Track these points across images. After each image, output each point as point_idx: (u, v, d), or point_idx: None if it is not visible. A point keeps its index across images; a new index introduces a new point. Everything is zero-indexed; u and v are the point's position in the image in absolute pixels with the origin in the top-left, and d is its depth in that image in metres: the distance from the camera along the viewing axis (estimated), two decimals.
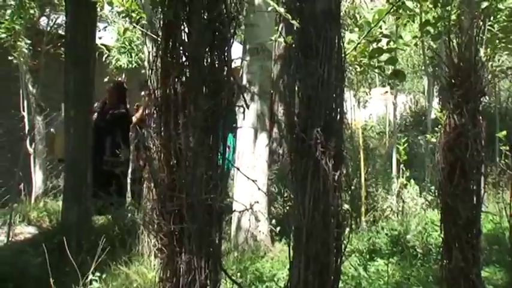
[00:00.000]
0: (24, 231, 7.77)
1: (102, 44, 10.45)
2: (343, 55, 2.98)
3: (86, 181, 6.40)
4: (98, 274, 4.53)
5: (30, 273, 5.03)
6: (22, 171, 8.07)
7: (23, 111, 9.87)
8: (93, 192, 6.72)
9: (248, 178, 4.56)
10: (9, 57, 9.92)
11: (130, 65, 10.86)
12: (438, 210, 5.76)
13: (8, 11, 9.83)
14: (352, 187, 3.55)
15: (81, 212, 6.26)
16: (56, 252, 5.13)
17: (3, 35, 9.71)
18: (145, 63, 5.72)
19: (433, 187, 7.41)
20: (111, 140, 8.37)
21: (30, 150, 9.51)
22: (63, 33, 8.42)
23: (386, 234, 6.10)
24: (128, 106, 9.12)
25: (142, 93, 8.64)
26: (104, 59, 10.74)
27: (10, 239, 6.67)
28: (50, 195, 8.90)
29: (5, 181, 7.86)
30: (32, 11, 10.10)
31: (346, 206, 3.10)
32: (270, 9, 4.78)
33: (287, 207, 6.64)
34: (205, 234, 2.62)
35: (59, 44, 9.75)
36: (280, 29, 6.28)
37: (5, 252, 5.50)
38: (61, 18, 10.15)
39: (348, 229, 3.16)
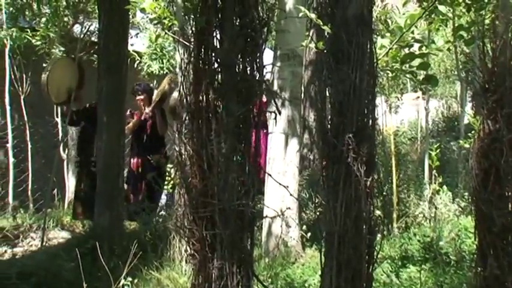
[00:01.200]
0: (58, 236, 7.87)
1: (134, 51, 10.56)
2: (375, 60, 2.96)
3: (117, 186, 6.46)
4: (129, 279, 4.56)
5: (64, 278, 5.08)
6: (56, 177, 8.19)
7: (57, 117, 10.01)
8: (125, 198, 6.77)
9: (280, 184, 4.54)
10: (44, 64, 10.07)
11: (161, 71, 10.95)
12: (472, 217, 5.69)
13: (43, 19, 10.00)
14: (384, 193, 3.53)
15: (113, 217, 6.32)
16: (88, 257, 5.18)
17: (39, 43, 9.88)
18: (177, 70, 5.74)
19: (466, 193, 7.31)
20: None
21: (64, 156, 9.63)
22: (96, 40, 8.51)
23: (419, 240, 6.03)
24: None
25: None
26: (135, 66, 10.85)
27: (44, 243, 6.77)
28: None
29: (39, 187, 7.99)
30: (66, 19, 10.26)
31: (377, 212, 3.09)
32: (300, 15, 4.78)
33: (318, 213, 6.66)
34: (237, 240, 2.63)
35: (92, 51, 9.88)
36: (311, 35, 6.28)
37: (39, 257, 5.58)
38: (94, 26, 10.29)
39: (379, 235, 3.15)
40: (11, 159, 9.71)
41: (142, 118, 8.35)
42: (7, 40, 9.35)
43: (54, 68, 7.72)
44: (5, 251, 6.45)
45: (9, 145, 9.74)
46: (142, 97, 8.49)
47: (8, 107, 9.68)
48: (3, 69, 9.51)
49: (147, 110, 8.32)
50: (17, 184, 9.73)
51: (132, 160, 8.44)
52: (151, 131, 8.30)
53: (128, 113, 8.63)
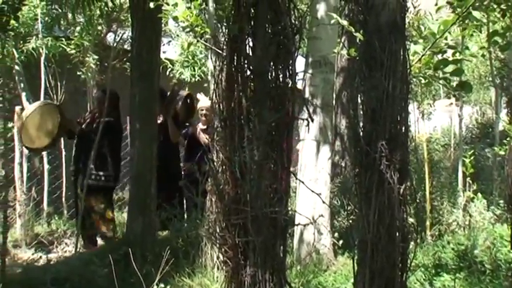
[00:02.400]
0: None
1: (166, 58, 10.65)
2: (408, 67, 2.94)
3: (150, 193, 6.50)
4: (162, 285, 4.58)
5: (97, 283, 5.13)
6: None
7: None
8: (158, 205, 6.77)
9: (312, 191, 4.53)
10: (78, 73, 10.22)
11: (193, 79, 11.02)
12: (508, 225, 5.60)
13: (78, 28, 10.15)
14: (417, 200, 3.49)
15: (146, 223, 6.36)
16: (121, 263, 5.22)
17: (73, 51, 10.04)
18: (209, 77, 5.77)
19: (501, 201, 7.21)
20: (97, 151, 7.25)
21: None
22: (129, 48, 8.61)
23: (453, 248, 5.96)
24: None
25: None
26: (167, 73, 10.93)
27: (78, 249, 6.84)
28: (115, 207, 9.06)
29: (73, 193, 8.07)
30: (99, 28, 10.41)
31: (411, 220, 3.06)
32: (332, 22, 4.77)
33: (350, 221, 6.62)
34: (270, 247, 2.63)
35: (125, 59, 10.00)
36: (342, 42, 6.27)
37: (73, 262, 5.64)
38: (127, 34, 10.43)
39: (412, 243, 3.12)
40: (46, 166, 9.84)
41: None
42: (42, 49, 9.50)
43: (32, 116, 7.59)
44: (40, 257, 6.54)
45: (44, 152, 9.87)
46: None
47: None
48: (39, 77, 9.66)
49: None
50: (51, 190, 9.87)
51: None
52: (164, 137, 7.92)
53: None
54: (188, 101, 8.34)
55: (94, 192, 7.31)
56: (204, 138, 8.00)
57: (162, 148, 7.57)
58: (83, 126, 7.77)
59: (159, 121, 7.77)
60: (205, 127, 8.20)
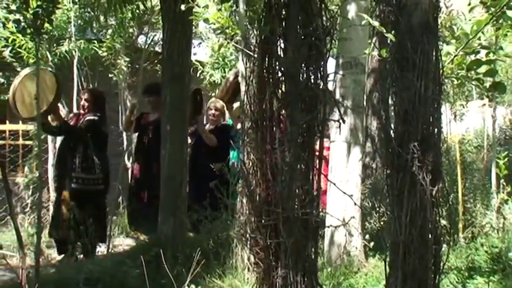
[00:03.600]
0: (123, 243, 8.04)
1: (196, 60, 10.71)
2: (440, 68, 2.92)
3: (181, 194, 6.54)
4: (193, 286, 4.60)
5: (129, 284, 5.17)
6: (120, 185, 8.36)
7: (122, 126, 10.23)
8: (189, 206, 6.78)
9: (344, 193, 4.51)
10: (109, 75, 10.34)
11: (223, 81, 11.06)
12: None
13: (109, 31, 10.28)
14: (450, 202, 3.46)
15: (177, 224, 6.39)
16: (152, 264, 5.26)
17: (105, 54, 10.16)
18: (239, 79, 5.79)
19: None
20: (82, 152, 7.12)
21: (129, 164, 9.82)
22: (160, 50, 8.67)
23: (486, 251, 5.88)
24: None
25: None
26: (198, 75, 10.99)
27: (110, 250, 6.92)
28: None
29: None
30: (131, 30, 10.52)
31: (443, 222, 3.03)
32: (363, 22, 4.75)
33: (382, 223, 6.57)
34: (302, 248, 2.62)
35: (156, 61, 10.09)
36: (373, 43, 6.23)
37: (105, 263, 5.69)
38: (158, 36, 10.51)
39: (445, 245, 3.09)
40: None
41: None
42: (75, 52, 9.63)
43: (22, 82, 6.70)
44: (73, 257, 6.62)
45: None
46: (151, 99, 7.97)
47: None
48: (71, 80, 9.79)
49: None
50: None
51: (135, 166, 8.17)
52: (153, 135, 7.70)
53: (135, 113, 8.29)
54: (197, 97, 8.06)
55: (82, 197, 6.99)
56: (210, 138, 7.94)
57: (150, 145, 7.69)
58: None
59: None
60: (213, 127, 8.18)
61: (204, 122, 8.61)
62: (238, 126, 7.90)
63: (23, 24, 5.26)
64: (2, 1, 5.60)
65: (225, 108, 8.45)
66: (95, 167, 7.14)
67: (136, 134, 8.52)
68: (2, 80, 10.38)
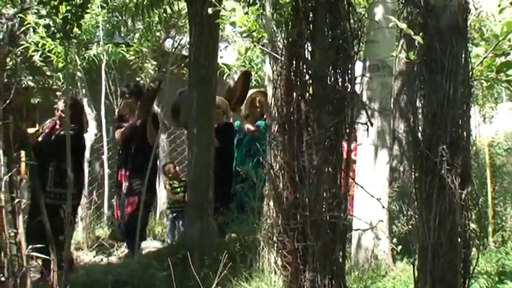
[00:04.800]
0: (150, 246, 8.08)
1: (223, 63, 10.74)
2: (469, 70, 2.90)
3: (207, 198, 6.55)
4: None
5: (157, 287, 5.19)
6: None
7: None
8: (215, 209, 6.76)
9: (372, 196, 4.49)
10: (137, 78, 10.42)
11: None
12: None
13: (137, 35, 10.37)
14: (479, 206, 3.42)
15: (203, 227, 6.41)
16: (179, 267, 5.28)
17: (132, 57, 10.24)
18: (266, 82, 5.79)
19: None
20: (56, 166, 6.63)
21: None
22: (186, 53, 8.71)
23: None
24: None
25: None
26: (224, 78, 11.02)
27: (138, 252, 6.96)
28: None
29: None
30: (158, 34, 10.60)
31: (472, 226, 3.00)
32: (390, 25, 4.72)
33: (410, 226, 6.52)
34: (329, 252, 2.62)
35: (183, 64, 10.14)
36: (401, 45, 6.19)
37: (133, 266, 5.73)
38: (185, 40, 10.56)
39: (474, 249, 3.06)
40: (106, 170, 10.06)
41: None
42: (103, 56, 9.72)
43: None
44: (101, 259, 6.67)
45: (105, 157, 10.10)
46: (130, 100, 7.61)
47: (103, 120, 10.02)
48: (100, 83, 9.89)
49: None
50: (112, 195, 10.06)
51: (119, 172, 7.69)
52: (140, 139, 7.41)
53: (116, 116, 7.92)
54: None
55: (54, 212, 5.74)
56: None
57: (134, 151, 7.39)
58: (39, 138, 6.88)
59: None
60: (215, 126, 7.54)
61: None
62: (250, 128, 7.82)
63: (52, 29, 5.32)
64: (33, 7, 5.68)
65: (228, 106, 8.19)
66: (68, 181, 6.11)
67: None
68: (32, 84, 10.52)
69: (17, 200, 2.82)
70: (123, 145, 7.69)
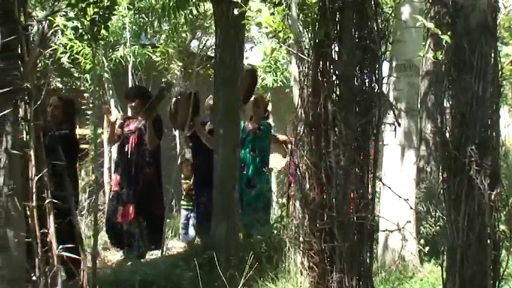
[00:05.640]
0: (176, 246, 8.12)
1: (248, 64, 10.74)
2: (499, 69, 2.86)
3: (233, 198, 6.56)
4: None
5: (183, 287, 5.21)
6: (174, 188, 8.43)
7: (175, 130, 10.33)
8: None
9: (400, 197, 4.45)
10: (163, 79, 10.47)
11: (275, 84, 11.07)
12: None
13: (163, 36, 10.42)
14: (509, 207, 3.38)
15: (230, 227, 6.42)
16: (206, 267, 5.29)
17: (158, 58, 10.30)
18: (291, 82, 5.78)
19: None
20: (50, 168, 6.22)
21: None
22: (212, 54, 8.73)
23: None
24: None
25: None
26: None
27: (164, 253, 6.99)
28: None
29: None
30: (184, 35, 10.64)
31: (502, 227, 2.97)
32: (418, 24, 4.68)
33: (438, 227, 6.46)
34: (357, 253, 2.61)
35: (209, 65, 10.18)
36: (428, 45, 6.14)
37: (160, 266, 5.76)
38: (210, 41, 10.60)
39: (504, 251, 3.02)
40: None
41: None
42: (130, 57, 9.78)
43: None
44: (128, 259, 6.72)
45: None
46: (133, 104, 7.28)
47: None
48: (126, 84, 9.95)
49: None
50: None
51: (115, 177, 7.47)
52: (136, 143, 7.13)
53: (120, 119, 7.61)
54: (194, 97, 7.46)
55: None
56: (209, 140, 7.25)
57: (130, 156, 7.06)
58: None
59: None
60: (212, 127, 7.33)
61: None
62: (250, 126, 7.70)
63: (80, 31, 5.37)
64: (62, 9, 5.74)
65: None
66: (64, 183, 6.19)
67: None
68: (60, 86, 10.63)
69: (47, 201, 2.85)
70: (119, 150, 7.49)
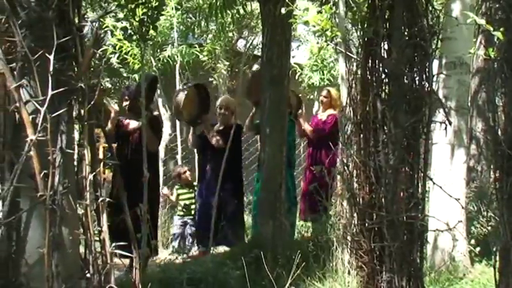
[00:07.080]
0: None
1: (295, 63, 10.72)
2: None
3: (280, 197, 6.55)
4: None
5: (230, 285, 5.23)
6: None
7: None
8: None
9: (450, 196, 4.38)
10: (210, 79, 10.54)
11: (322, 83, 11.02)
12: None
13: (210, 35, 10.50)
14: None
15: (276, 226, 6.42)
16: (253, 266, 5.29)
17: (205, 58, 10.37)
18: (339, 81, 5.75)
19: None
20: None
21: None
22: (259, 53, 8.74)
23: None
24: None
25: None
26: (296, 77, 11.00)
27: (211, 251, 7.04)
28: (245, 210, 9.13)
29: None
30: (230, 34, 10.69)
31: None
32: (469, 21, 4.60)
33: (489, 227, 6.34)
34: (407, 253, 2.58)
35: (255, 64, 10.20)
36: (479, 41, 6.03)
37: (207, 264, 5.79)
38: (257, 40, 10.62)
39: None
40: None
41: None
42: (177, 57, 9.87)
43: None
44: (177, 257, 6.78)
45: (179, 156, 10.25)
46: (128, 103, 6.61)
47: (177, 120, 10.16)
48: (174, 84, 10.05)
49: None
50: None
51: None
52: (137, 144, 6.44)
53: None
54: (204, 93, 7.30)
55: None
56: (216, 140, 7.13)
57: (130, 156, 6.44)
58: None
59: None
60: (221, 128, 7.30)
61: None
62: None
63: (129, 31, 5.45)
64: (112, 10, 5.84)
65: (236, 107, 7.62)
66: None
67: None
68: (109, 86, 10.81)
69: (101, 199, 2.90)
70: (118, 150, 6.83)
